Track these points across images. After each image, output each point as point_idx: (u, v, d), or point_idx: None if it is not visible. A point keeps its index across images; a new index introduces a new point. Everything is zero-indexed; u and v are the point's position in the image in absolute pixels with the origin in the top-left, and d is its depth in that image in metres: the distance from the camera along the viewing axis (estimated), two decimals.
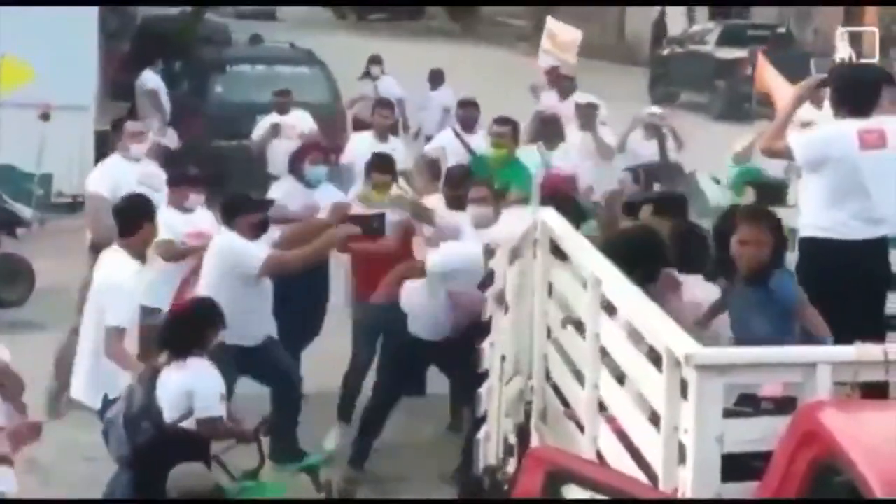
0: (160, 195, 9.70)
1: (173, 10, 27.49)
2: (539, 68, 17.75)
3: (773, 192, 10.63)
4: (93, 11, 17.06)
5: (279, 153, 13.40)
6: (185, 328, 7.56)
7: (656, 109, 15.00)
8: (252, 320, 8.84)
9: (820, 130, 7.01)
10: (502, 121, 11.76)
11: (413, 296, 9.13)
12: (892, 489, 4.19)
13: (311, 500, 7.83)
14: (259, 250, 8.88)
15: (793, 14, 36.49)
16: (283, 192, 10.53)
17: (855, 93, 7.02)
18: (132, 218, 8.37)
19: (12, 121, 14.84)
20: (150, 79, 19.62)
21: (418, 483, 9.12)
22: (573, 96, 15.45)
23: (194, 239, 9.49)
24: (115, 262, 8.28)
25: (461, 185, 9.80)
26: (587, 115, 13.54)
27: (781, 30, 33.70)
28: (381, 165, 10.50)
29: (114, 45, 21.00)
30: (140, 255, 8.32)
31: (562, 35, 18.78)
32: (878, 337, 5.97)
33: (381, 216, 9.59)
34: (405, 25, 44.94)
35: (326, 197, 10.49)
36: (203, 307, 7.84)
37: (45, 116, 14.63)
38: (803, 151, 6.91)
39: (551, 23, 19.04)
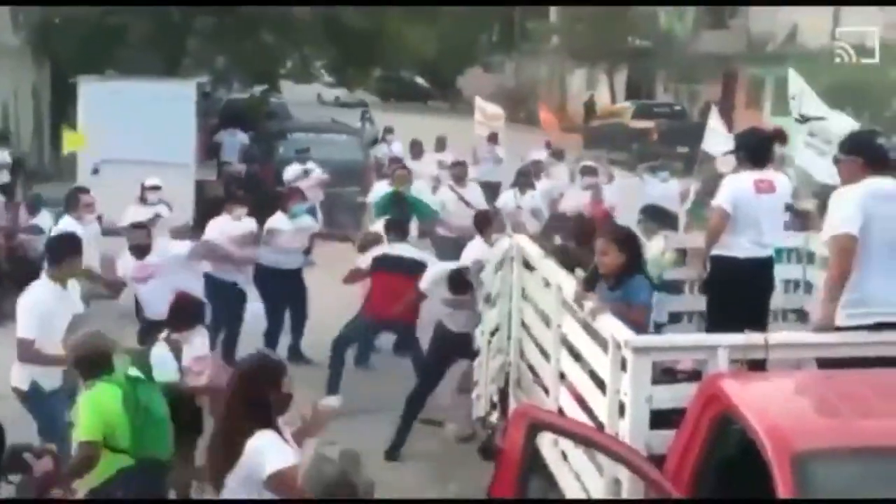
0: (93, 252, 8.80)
1: (246, 95, 27.55)
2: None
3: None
4: (191, 88, 16.87)
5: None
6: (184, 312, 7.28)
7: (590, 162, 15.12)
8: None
9: (729, 183, 6.86)
10: (402, 167, 13.05)
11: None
12: (771, 431, 4.19)
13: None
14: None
15: (685, 96, 36.66)
16: (275, 221, 10.50)
17: (751, 151, 6.90)
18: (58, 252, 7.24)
19: (125, 173, 13.34)
20: (242, 136, 21.02)
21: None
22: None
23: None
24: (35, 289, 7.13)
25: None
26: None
27: (678, 107, 33.82)
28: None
29: (204, 121, 20.98)
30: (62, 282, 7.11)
31: (489, 110, 18.97)
32: (762, 327, 5.95)
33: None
34: (417, 106, 45.73)
35: (305, 226, 10.83)
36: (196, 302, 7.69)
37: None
38: (722, 202, 6.79)
39: (478, 101, 19.20)
